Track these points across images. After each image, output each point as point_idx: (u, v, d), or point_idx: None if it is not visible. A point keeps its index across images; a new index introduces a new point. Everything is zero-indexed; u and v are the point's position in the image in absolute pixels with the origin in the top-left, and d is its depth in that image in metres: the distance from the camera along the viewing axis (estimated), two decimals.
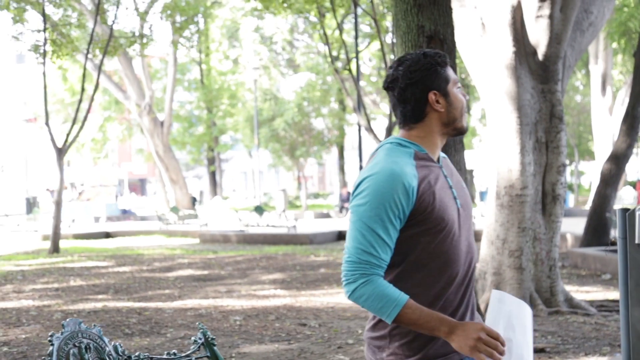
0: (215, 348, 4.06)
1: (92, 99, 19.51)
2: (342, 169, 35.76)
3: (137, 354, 3.74)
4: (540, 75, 8.44)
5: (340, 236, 19.84)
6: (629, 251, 4.23)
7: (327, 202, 43.30)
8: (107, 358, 3.62)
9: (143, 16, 29.03)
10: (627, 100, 26.97)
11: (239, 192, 63.05)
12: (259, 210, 21.90)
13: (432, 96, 2.39)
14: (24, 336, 7.83)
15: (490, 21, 8.62)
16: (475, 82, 9.11)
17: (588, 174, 50.07)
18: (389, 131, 18.24)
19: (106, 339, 3.72)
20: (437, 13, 6.50)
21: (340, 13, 25.20)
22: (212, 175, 38.41)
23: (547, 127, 8.45)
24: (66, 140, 18.42)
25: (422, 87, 2.39)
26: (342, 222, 24.59)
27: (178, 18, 29.55)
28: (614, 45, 17.17)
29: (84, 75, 18.83)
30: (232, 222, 24.58)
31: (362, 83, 38.53)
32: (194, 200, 35.54)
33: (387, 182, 2.32)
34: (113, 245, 20.08)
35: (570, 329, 7.52)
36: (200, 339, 4.03)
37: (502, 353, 2.22)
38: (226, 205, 32.99)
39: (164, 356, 3.89)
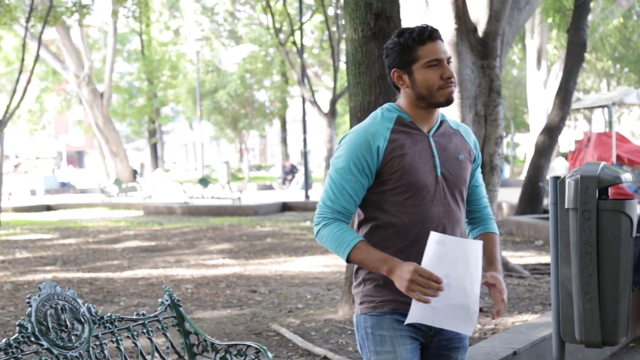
0: (180, 309, 4.35)
1: (32, 70, 19.32)
2: (284, 141, 35.97)
3: (108, 314, 4.02)
4: (480, 52, 8.81)
5: (285, 207, 20.14)
6: (559, 215, 4.65)
7: (269, 174, 43.52)
8: (81, 318, 3.90)
9: None
10: (560, 74, 27.79)
11: (180, 165, 62.71)
12: (204, 182, 22.04)
13: (394, 74, 2.66)
14: None
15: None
16: None
17: (523, 146, 51.31)
18: (332, 104, 18.50)
19: (80, 301, 3.98)
20: None
21: None
22: (153, 147, 38.22)
23: (485, 100, 8.85)
24: (6, 112, 18.22)
25: (388, 64, 2.68)
26: (286, 194, 24.85)
27: None
28: (549, 20, 17.68)
29: (23, 46, 18.60)
30: (175, 194, 24.65)
31: (304, 55, 38.74)
32: (134, 172, 35.37)
33: (356, 139, 2.60)
34: (55, 218, 19.99)
35: (508, 290, 7.99)
36: (166, 300, 4.32)
37: (438, 289, 2.43)
38: (168, 177, 32.95)
39: (134, 316, 4.18)
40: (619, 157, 14.50)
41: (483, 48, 8.83)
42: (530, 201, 14.56)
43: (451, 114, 8.76)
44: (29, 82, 18.86)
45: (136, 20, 33.22)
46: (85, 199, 25.58)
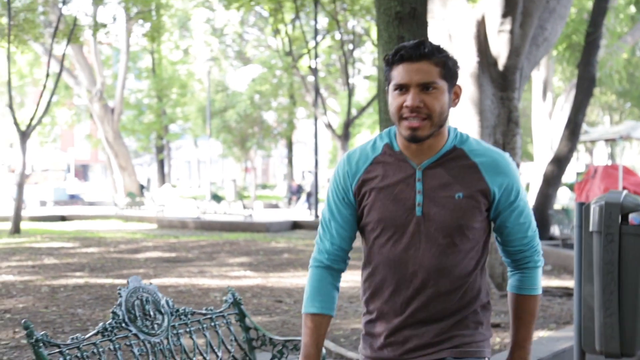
0: (242, 306, 4.83)
1: (55, 85, 19.91)
2: (290, 162, 36.51)
3: (182, 308, 4.50)
4: (500, 84, 9.36)
5: (295, 225, 20.62)
6: (583, 237, 5.15)
7: (274, 193, 44.05)
8: (161, 309, 4.38)
9: (99, 2, 29.28)
10: (566, 106, 28.47)
11: (183, 181, 63.20)
12: (217, 198, 22.56)
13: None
14: (21, 305, 8.42)
15: (456, 33, 9.50)
16: None
17: (525, 174, 51.86)
18: (346, 126, 19.03)
19: (160, 294, 4.47)
20: (415, 25, 7.33)
21: (293, 8, 25.87)
22: (160, 163, 38.73)
23: (504, 130, 9.38)
24: (29, 124, 18.75)
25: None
26: (294, 213, 25.34)
27: (132, 6, 29.93)
28: (555, 54, 18.32)
29: (49, 62, 19.20)
30: (185, 209, 25.13)
31: (310, 78, 39.39)
32: (142, 187, 35.88)
33: (339, 167, 2.42)
34: (71, 228, 20.45)
35: None
36: (230, 299, 4.80)
37: None
38: (176, 193, 33.43)
39: (203, 310, 4.66)
40: (625, 189, 14.99)
41: (503, 81, 9.38)
42: (539, 228, 15.01)
43: None
44: (52, 96, 19.41)
45: (148, 39, 33.94)
46: (97, 211, 26.01)
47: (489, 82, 9.36)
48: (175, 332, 4.37)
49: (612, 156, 45.21)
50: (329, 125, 18.10)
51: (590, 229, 5.09)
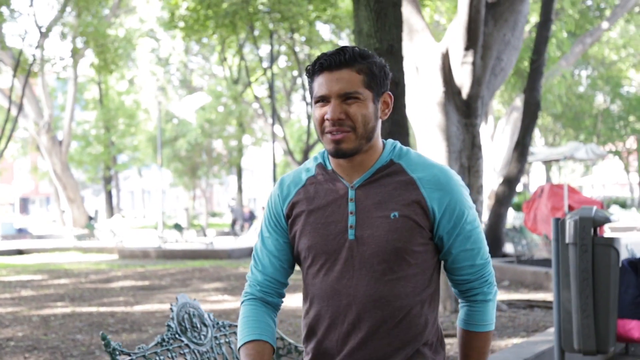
0: None
1: (6, 120, 20.11)
2: (240, 189, 36.97)
3: (222, 321, 5.04)
4: (464, 112, 10.12)
5: None
6: (560, 249, 5.87)
7: (223, 220, 44.38)
8: (205, 322, 4.91)
9: (46, 35, 29.43)
10: (506, 128, 29.65)
11: (127, 211, 62.89)
12: (178, 227, 22.89)
13: None
14: (20, 334, 8.75)
15: (423, 66, 10.25)
16: (410, 116, 10.70)
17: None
18: (305, 152, 19.65)
19: (202, 309, 5.02)
20: (392, 60, 8.00)
21: (240, 38, 26.51)
22: (109, 194, 38.76)
23: (469, 154, 10.13)
24: None
25: None
26: (249, 239, 25.77)
27: (79, 39, 30.18)
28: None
29: None
30: (141, 239, 25.33)
31: (255, 105, 40.03)
32: (90, 218, 35.84)
33: (271, 192, 2.28)
34: (32, 261, 20.52)
35: None
36: None
37: None
38: (126, 223, 33.53)
39: (234, 323, 5.20)
40: (570, 207, 15.91)
41: (467, 109, 10.16)
42: (492, 246, 15.85)
43: None
44: (3, 131, 19.56)
45: (105, 72, 34.15)
46: (51, 244, 26.01)
47: (454, 110, 10.12)
48: (217, 342, 4.92)
49: (548, 176, 46.91)
50: (287, 152, 18.65)
51: (567, 241, 5.83)
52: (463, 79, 10.02)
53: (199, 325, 4.94)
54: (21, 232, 35.17)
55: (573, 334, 5.86)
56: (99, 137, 37.67)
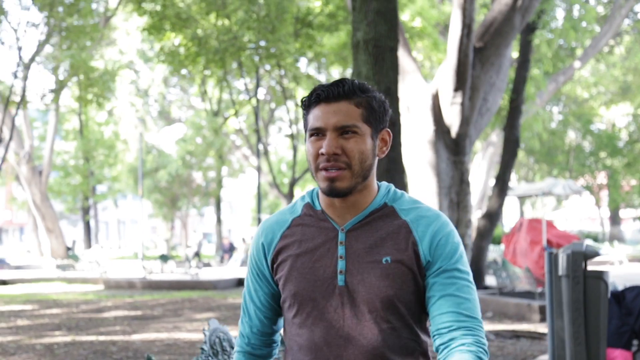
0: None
1: None
2: (219, 220, 37.25)
3: None
4: (453, 149, 10.66)
5: (240, 282, 21.42)
6: (553, 281, 6.35)
7: (202, 252, 44.50)
8: (233, 346, 5.31)
9: (27, 66, 29.70)
10: (482, 163, 30.34)
11: (102, 242, 62.71)
12: (164, 258, 23.14)
13: None
14: None
15: (414, 105, 10.79)
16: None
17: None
18: (291, 185, 20.07)
19: (230, 334, 5.43)
20: (389, 101, 8.49)
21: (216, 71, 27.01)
22: (87, 224, 38.83)
23: (458, 190, 10.65)
24: None
25: None
26: (233, 271, 26.03)
27: (62, 70, 30.51)
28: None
29: None
30: (122, 270, 25.50)
31: (232, 137, 40.50)
32: (68, 249, 35.88)
33: (253, 239, 2.12)
34: (17, 291, 20.64)
35: None
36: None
37: None
38: (106, 254, 33.64)
39: None
40: (549, 241, 16.48)
41: (455, 146, 10.70)
42: (475, 279, 16.33)
43: (431, 200, 10.51)
44: None
45: (83, 104, 34.42)
46: (35, 274, 26.09)
47: (444, 147, 10.65)
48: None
49: (521, 211, 47.73)
50: (273, 184, 19.08)
51: (560, 273, 6.31)
52: (452, 119, 10.57)
53: (228, 349, 5.36)
54: (0, 263, 35.08)
55: None
56: (78, 168, 37.83)
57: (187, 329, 11.91)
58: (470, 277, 1.97)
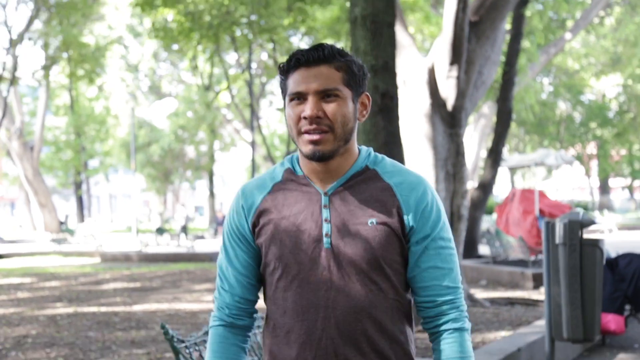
0: None
1: None
2: (212, 194, 37.41)
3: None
4: (449, 122, 10.80)
5: None
6: (550, 249, 6.54)
7: (194, 225, 44.75)
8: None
9: (16, 42, 29.60)
10: (474, 134, 30.53)
11: (94, 216, 62.84)
12: (160, 231, 23.33)
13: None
14: (34, 332, 9.20)
15: (410, 79, 10.92)
16: None
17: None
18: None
19: None
20: (387, 76, 8.65)
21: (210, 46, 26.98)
22: (79, 199, 38.93)
23: (454, 162, 10.81)
24: None
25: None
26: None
27: (53, 46, 30.44)
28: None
29: None
30: (117, 243, 25.67)
31: (224, 111, 40.55)
32: (61, 223, 36.04)
33: (232, 203, 2.10)
34: (15, 265, 20.80)
35: (477, 316, 9.83)
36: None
37: None
38: (100, 228, 33.80)
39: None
40: (541, 211, 16.73)
41: (451, 119, 10.84)
42: (468, 248, 16.60)
43: (427, 173, 10.68)
44: None
45: (66, 76, 34.32)
46: (31, 248, 26.25)
47: (440, 120, 10.79)
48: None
49: (512, 181, 48.07)
50: (268, 157, 19.25)
51: (557, 241, 6.51)
52: (448, 92, 10.69)
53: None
54: None
55: (563, 324, 6.52)
56: (70, 143, 37.87)
57: (187, 300, 12.10)
58: (452, 243, 2.01)
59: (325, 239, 1.92)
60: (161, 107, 38.86)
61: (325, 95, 1.90)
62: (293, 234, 1.94)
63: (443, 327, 1.98)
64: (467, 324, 1.99)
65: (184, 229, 28.76)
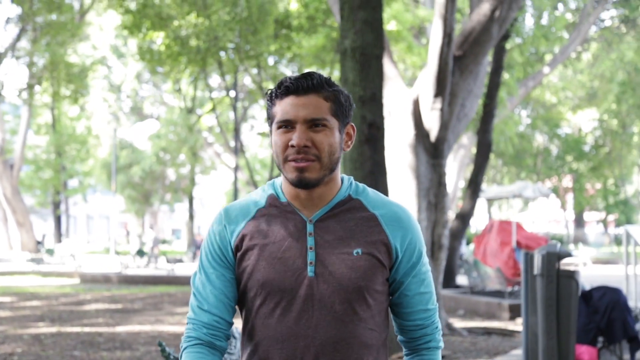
0: None
1: None
2: (191, 217, 37.45)
3: None
4: (432, 153, 11.09)
5: None
6: (528, 279, 6.80)
7: (172, 248, 44.71)
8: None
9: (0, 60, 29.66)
10: (453, 164, 30.90)
11: (71, 236, 62.44)
12: (140, 253, 23.35)
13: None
14: (19, 350, 9.30)
15: (395, 110, 11.21)
16: None
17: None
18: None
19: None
20: (374, 107, 8.94)
21: (195, 70, 27.20)
22: (57, 219, 38.81)
23: (436, 192, 11.08)
24: None
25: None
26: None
27: (36, 66, 30.50)
28: None
29: None
30: (96, 264, 25.64)
31: (205, 134, 40.68)
32: (38, 243, 35.91)
33: (213, 223, 2.07)
34: None
35: (455, 345, 10.06)
36: None
37: None
38: (78, 249, 33.70)
39: None
40: (518, 242, 17.02)
41: (434, 150, 11.12)
42: (446, 277, 16.82)
43: (410, 202, 10.93)
44: None
45: (49, 95, 34.35)
46: (8, 267, 26.14)
47: (423, 151, 11.08)
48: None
49: (489, 212, 48.52)
50: (251, 182, 19.43)
51: (535, 272, 6.77)
52: (432, 123, 10.98)
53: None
54: None
55: (539, 354, 6.76)
56: (50, 162, 37.81)
57: (170, 322, 12.22)
58: (428, 265, 2.06)
59: (309, 267, 1.91)
60: (143, 128, 38.96)
61: (313, 124, 1.91)
62: (278, 261, 1.92)
63: (424, 346, 2.07)
64: (442, 342, 2.11)
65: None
